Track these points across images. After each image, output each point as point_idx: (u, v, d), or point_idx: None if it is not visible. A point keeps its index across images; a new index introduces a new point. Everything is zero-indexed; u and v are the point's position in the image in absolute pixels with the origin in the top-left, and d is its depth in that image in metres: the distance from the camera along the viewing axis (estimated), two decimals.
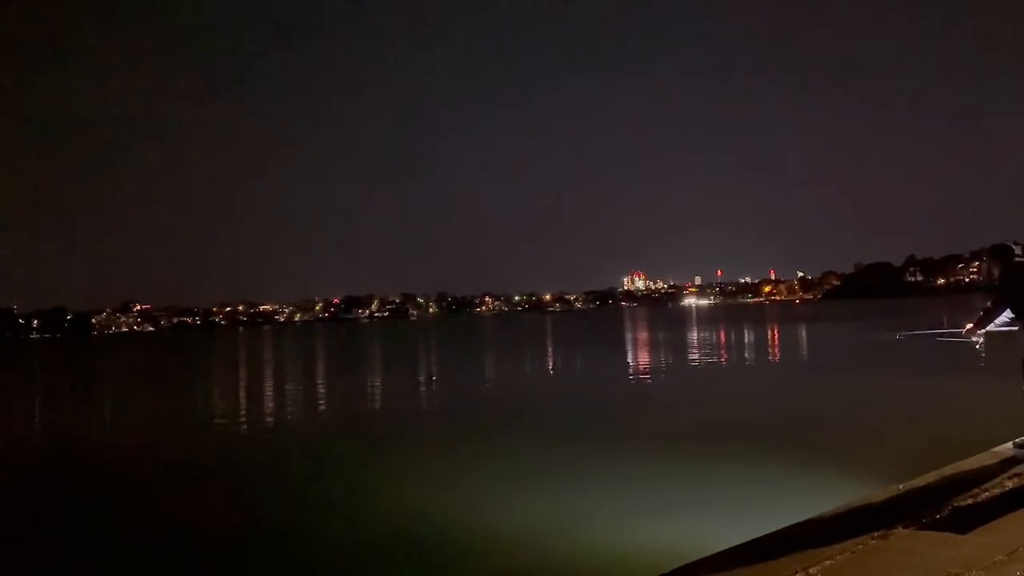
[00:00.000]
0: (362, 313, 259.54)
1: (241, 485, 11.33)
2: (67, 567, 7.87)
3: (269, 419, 18.60)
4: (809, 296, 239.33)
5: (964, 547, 3.87)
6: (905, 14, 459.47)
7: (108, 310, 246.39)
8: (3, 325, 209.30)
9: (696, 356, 32.61)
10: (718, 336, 48.68)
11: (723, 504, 8.49)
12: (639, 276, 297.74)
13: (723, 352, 35.04)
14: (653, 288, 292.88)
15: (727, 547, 4.14)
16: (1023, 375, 5.93)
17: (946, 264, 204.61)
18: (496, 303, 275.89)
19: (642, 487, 9.63)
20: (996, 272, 6.35)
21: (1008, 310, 6.20)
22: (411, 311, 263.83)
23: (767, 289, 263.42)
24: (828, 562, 3.73)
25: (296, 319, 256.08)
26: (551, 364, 34.57)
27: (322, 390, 26.33)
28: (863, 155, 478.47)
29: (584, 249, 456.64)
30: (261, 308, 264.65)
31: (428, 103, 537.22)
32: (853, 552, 3.87)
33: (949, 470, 5.52)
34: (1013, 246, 6.28)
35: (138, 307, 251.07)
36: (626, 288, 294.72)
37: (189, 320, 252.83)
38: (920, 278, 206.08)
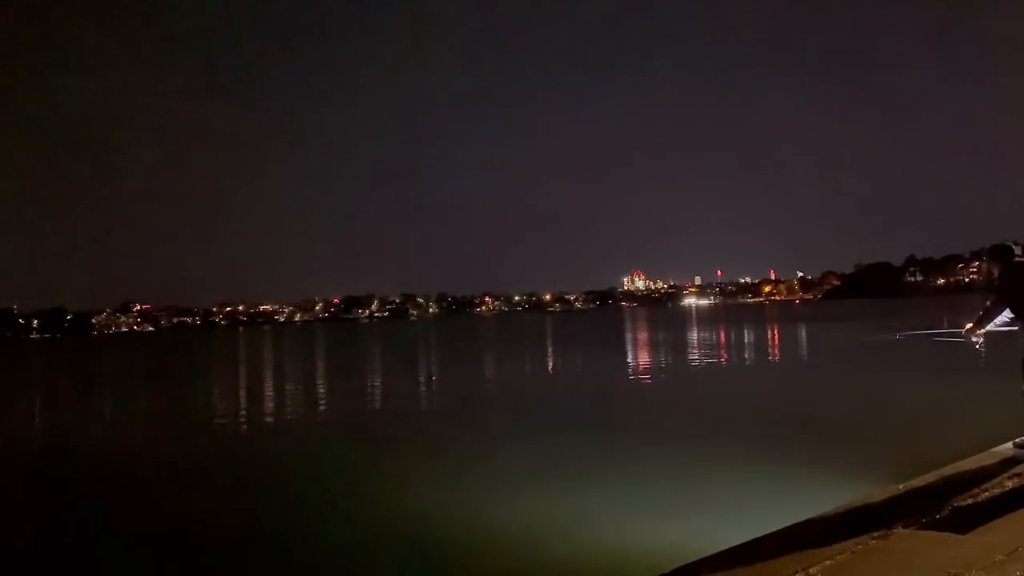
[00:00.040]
0: (362, 313, 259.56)
1: (241, 485, 11.33)
2: (67, 567, 7.87)
3: (269, 419, 18.60)
4: (809, 296, 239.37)
5: (964, 547, 3.87)
6: (906, 13, 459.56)
7: (108, 310, 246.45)
8: (3, 325, 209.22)
9: (696, 356, 32.61)
10: (718, 336, 48.68)
11: (723, 504, 8.49)
12: (639, 276, 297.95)
13: (723, 352, 35.04)
14: (653, 288, 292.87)
15: (727, 547, 4.14)
16: (1023, 375, 5.94)
17: (946, 264, 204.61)
18: (496, 303, 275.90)
19: (642, 487, 9.63)
20: (996, 272, 6.35)
21: (1007, 310, 6.20)
22: (411, 311, 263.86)
23: (767, 289, 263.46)
24: (828, 562, 3.73)
25: (296, 319, 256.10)
26: (551, 364, 34.57)
27: (322, 390, 26.33)
28: (863, 155, 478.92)
29: (584, 249, 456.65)
30: (261, 308, 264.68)
31: (428, 103, 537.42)
32: (853, 552, 3.87)
33: (949, 470, 5.52)
34: (1013, 246, 6.27)
35: (138, 307, 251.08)
36: (626, 288, 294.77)
37: (189, 320, 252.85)
38: (920, 278, 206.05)
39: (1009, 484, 5.05)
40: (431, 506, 9.29)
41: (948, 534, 4.12)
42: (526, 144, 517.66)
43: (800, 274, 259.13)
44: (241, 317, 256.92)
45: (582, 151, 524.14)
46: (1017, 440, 6.03)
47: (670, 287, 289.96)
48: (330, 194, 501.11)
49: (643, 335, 56.17)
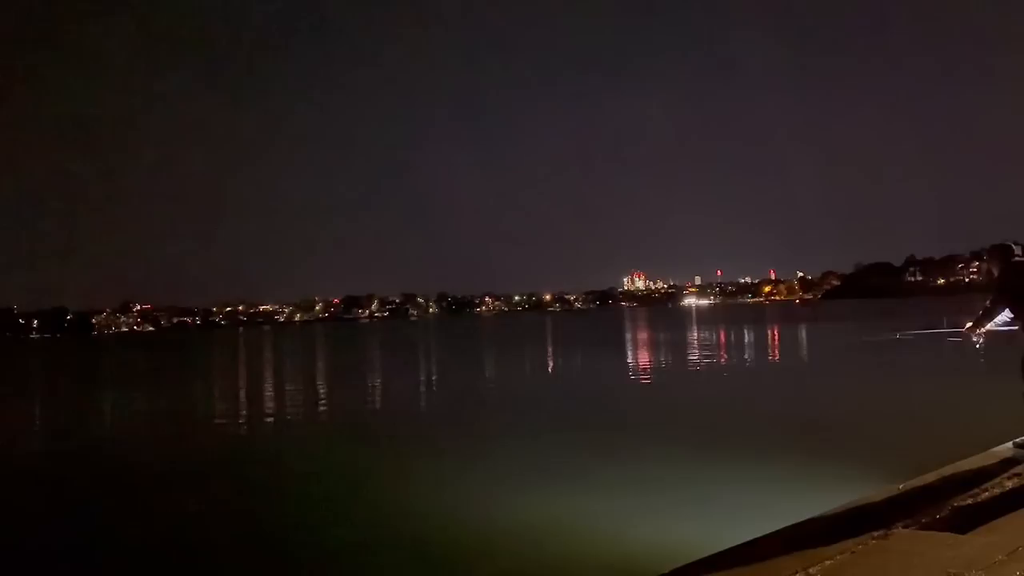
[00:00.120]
0: (362, 313, 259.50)
1: (241, 485, 11.33)
2: (68, 567, 7.86)
3: (269, 419, 18.60)
4: (809, 296, 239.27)
5: (964, 547, 3.87)
6: (905, 14, 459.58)
7: (108, 310, 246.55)
8: (3, 325, 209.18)
9: (696, 356, 32.61)
10: (718, 336, 48.68)
11: (723, 504, 8.48)
12: (639, 276, 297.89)
13: (723, 352, 35.04)
14: (653, 288, 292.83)
15: (727, 547, 4.14)
16: (1023, 375, 5.93)
17: (946, 264, 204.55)
18: (496, 303, 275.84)
19: (642, 487, 9.63)
20: (996, 271, 6.36)
21: (1008, 309, 6.20)
22: (411, 311, 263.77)
23: (767, 289, 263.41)
24: (828, 562, 3.73)
25: (296, 319, 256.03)
26: (551, 364, 34.57)
27: (322, 390, 26.34)
28: (864, 155, 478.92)
29: (584, 249, 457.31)
30: (261, 308, 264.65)
31: (428, 103, 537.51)
32: (853, 552, 3.87)
33: (949, 470, 5.52)
34: (1013, 245, 6.27)
35: (138, 307, 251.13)
36: (626, 288, 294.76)
37: (189, 320, 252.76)
38: (920, 278, 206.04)
39: (1009, 484, 5.05)
40: (431, 506, 9.29)
41: (948, 534, 4.11)
42: (526, 144, 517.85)
43: (800, 274, 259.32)
44: (241, 317, 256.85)
45: (582, 151, 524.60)
46: (1017, 440, 6.03)
47: (670, 287, 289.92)
48: (330, 194, 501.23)
49: (643, 335, 56.17)
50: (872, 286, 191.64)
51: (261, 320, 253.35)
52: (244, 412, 20.44)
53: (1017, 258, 6.19)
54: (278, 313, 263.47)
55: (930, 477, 5.36)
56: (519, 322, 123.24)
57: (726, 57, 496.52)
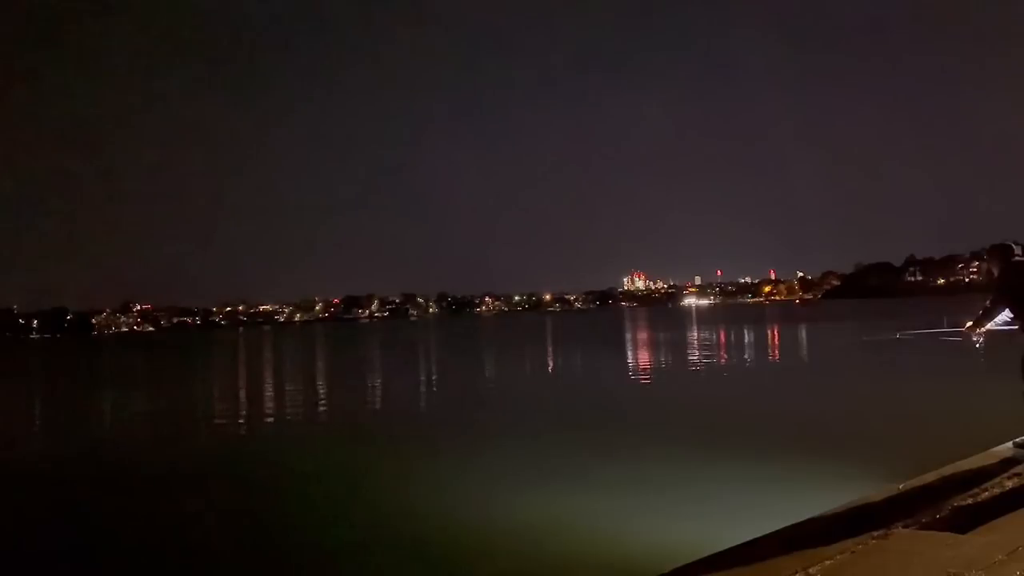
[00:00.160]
0: (362, 313, 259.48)
1: (241, 485, 11.33)
2: (68, 567, 7.86)
3: (269, 419, 18.60)
4: (809, 296, 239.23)
5: (964, 547, 3.87)
6: (904, 15, 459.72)
7: (108, 310, 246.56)
8: (3, 325, 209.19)
9: (696, 356, 32.61)
10: (718, 336, 48.68)
11: (723, 504, 8.48)
12: (639, 276, 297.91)
13: (723, 352, 35.04)
14: (653, 288, 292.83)
15: (727, 547, 4.14)
16: (1023, 375, 5.93)
17: (946, 264, 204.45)
18: (496, 303, 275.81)
19: (642, 487, 9.63)
20: (996, 271, 6.35)
21: (1007, 309, 6.20)
22: (411, 311, 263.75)
23: (767, 289, 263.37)
24: (828, 562, 3.73)
25: (296, 319, 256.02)
26: (551, 364, 34.57)
27: (322, 390, 26.34)
28: (863, 155, 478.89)
29: (584, 249, 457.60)
30: (261, 308, 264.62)
31: (428, 102, 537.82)
32: (853, 552, 3.87)
33: (949, 470, 5.52)
34: (1013, 245, 6.27)
35: (138, 307, 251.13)
36: (626, 288, 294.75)
37: (189, 320, 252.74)
38: (920, 278, 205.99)
39: (1009, 484, 5.05)
40: (431, 506, 9.29)
41: (948, 534, 4.11)
42: (526, 143, 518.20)
43: (800, 274, 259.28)
44: (241, 317, 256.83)
45: (582, 150, 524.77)
46: (1017, 440, 6.02)
47: (670, 287, 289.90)
48: (330, 194, 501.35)
49: (643, 335, 56.17)
50: (872, 286, 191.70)
51: (261, 320, 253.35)
52: (244, 412, 20.43)
53: (1017, 258, 6.19)
54: (278, 313, 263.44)
55: (930, 477, 5.36)
56: (519, 322, 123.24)
57: (726, 56, 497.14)
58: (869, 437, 12.09)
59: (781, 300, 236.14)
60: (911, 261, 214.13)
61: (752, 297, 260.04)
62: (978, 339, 6.73)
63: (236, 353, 59.96)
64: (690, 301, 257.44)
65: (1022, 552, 3.74)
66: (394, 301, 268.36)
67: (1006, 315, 6.24)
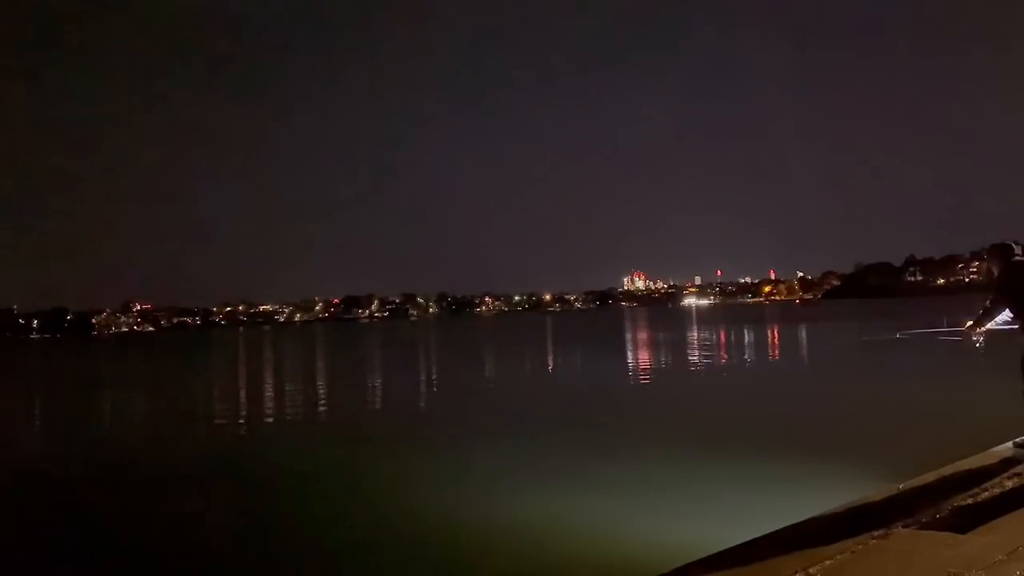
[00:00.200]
0: (362, 313, 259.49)
1: (241, 485, 11.33)
2: (68, 567, 7.86)
3: (269, 419, 18.60)
4: (809, 296, 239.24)
5: (964, 547, 3.87)
6: (905, 16, 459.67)
7: (108, 310, 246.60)
8: (3, 325, 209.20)
9: (696, 356, 32.61)
10: (718, 336, 48.67)
11: (723, 504, 8.48)
12: (639, 276, 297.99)
13: (723, 352, 35.04)
14: (653, 288, 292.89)
15: (727, 547, 4.14)
16: (1023, 375, 5.93)
17: (946, 264, 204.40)
18: (496, 303, 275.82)
19: (642, 487, 9.62)
20: (996, 271, 6.35)
21: (1008, 309, 6.20)
22: (411, 311, 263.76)
23: (767, 289, 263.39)
24: (828, 562, 3.73)
25: (296, 319, 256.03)
26: (551, 364, 34.57)
27: (322, 390, 26.34)
28: (863, 155, 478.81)
29: (584, 249, 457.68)
30: (261, 308, 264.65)
31: (428, 103, 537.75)
32: (853, 552, 3.87)
33: (949, 470, 5.51)
34: (1013, 245, 6.27)
35: (138, 307, 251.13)
36: (626, 288, 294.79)
37: (189, 320, 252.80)
38: (920, 278, 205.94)
39: (1009, 484, 5.05)
40: (431, 506, 9.29)
41: (948, 534, 4.11)
42: (526, 144, 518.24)
43: (800, 274, 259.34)
44: (241, 317, 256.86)
45: (582, 150, 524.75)
46: (1017, 440, 6.02)
47: (670, 287, 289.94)
48: (330, 194, 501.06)
49: (643, 335, 56.17)
50: (872, 286, 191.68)
51: (261, 320, 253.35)
52: (244, 412, 20.43)
53: (1017, 257, 6.19)
54: (278, 313, 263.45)
55: (930, 477, 5.36)
56: (519, 322, 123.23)
57: (725, 56, 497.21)
58: (869, 437, 12.08)
59: (781, 300, 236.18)
60: (911, 261, 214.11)
61: (752, 297, 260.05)
62: (978, 339, 6.72)
63: (236, 353, 59.96)
64: (690, 301, 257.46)
65: (1022, 552, 3.73)
66: (394, 301, 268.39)
67: (1006, 315, 6.23)
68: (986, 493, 4.86)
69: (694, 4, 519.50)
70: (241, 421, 18.72)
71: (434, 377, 30.38)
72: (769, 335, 48.23)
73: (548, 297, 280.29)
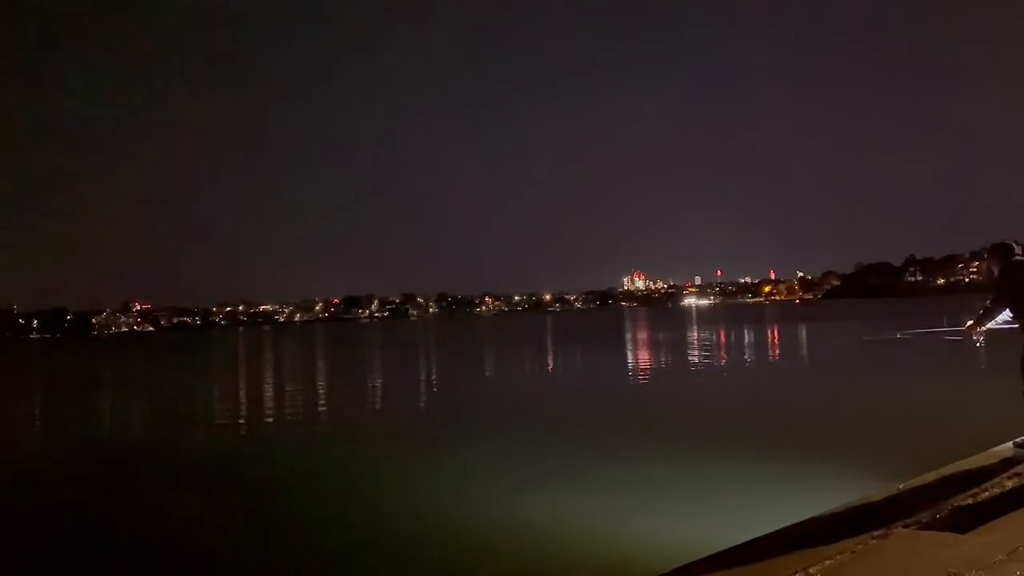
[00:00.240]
0: (362, 313, 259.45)
1: (241, 485, 11.33)
2: (67, 568, 7.86)
3: (269, 419, 18.60)
4: (809, 296, 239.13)
5: (964, 547, 3.87)
6: (905, 17, 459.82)
7: (108, 310, 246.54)
8: (3, 325, 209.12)
9: (696, 356, 32.61)
10: (718, 336, 48.67)
11: (723, 504, 8.48)
12: (639, 276, 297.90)
13: (723, 352, 35.03)
14: (653, 288, 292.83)
15: (727, 547, 4.14)
16: (1023, 375, 5.93)
17: (946, 264, 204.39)
18: (496, 303, 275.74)
19: (642, 487, 9.62)
20: (996, 270, 6.35)
21: (1008, 308, 6.19)
22: (411, 311, 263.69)
23: (767, 289, 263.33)
24: (828, 562, 3.73)
25: (296, 319, 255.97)
26: (551, 364, 34.57)
27: (322, 390, 26.33)
28: (863, 155, 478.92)
29: (584, 249, 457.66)
30: (261, 308, 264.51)
31: (428, 102, 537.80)
32: (853, 552, 3.87)
33: (949, 470, 5.51)
34: (1014, 244, 6.27)
35: (138, 307, 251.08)
36: (626, 288, 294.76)
37: (189, 320, 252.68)
38: (920, 278, 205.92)
39: (1009, 484, 5.05)
40: (431, 506, 9.29)
41: (948, 534, 4.11)
42: (526, 143, 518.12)
43: (800, 274, 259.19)
44: (241, 317, 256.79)
45: (581, 150, 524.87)
46: (1017, 440, 6.02)
47: (670, 287, 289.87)
48: (330, 194, 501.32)
49: (643, 335, 56.17)
50: (872, 286, 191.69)
51: (261, 320, 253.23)
52: (244, 412, 20.44)
53: (1018, 257, 6.19)
54: (278, 313, 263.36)
55: (930, 477, 5.36)
56: (519, 322, 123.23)
57: (726, 55, 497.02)
58: (869, 437, 12.08)
59: (781, 300, 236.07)
60: (911, 261, 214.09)
61: (752, 297, 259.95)
62: (978, 339, 6.72)
63: (236, 353, 59.96)
64: (690, 301, 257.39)
65: (1022, 552, 3.73)
66: (394, 301, 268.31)
67: (1006, 315, 6.23)
68: (986, 493, 4.86)
69: (694, 3, 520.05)
70: (241, 421, 18.72)
71: (434, 377, 30.38)
72: (769, 335, 48.23)
73: (548, 297, 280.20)
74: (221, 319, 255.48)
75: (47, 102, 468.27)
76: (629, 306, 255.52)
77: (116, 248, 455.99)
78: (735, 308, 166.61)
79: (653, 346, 42.04)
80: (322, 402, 22.14)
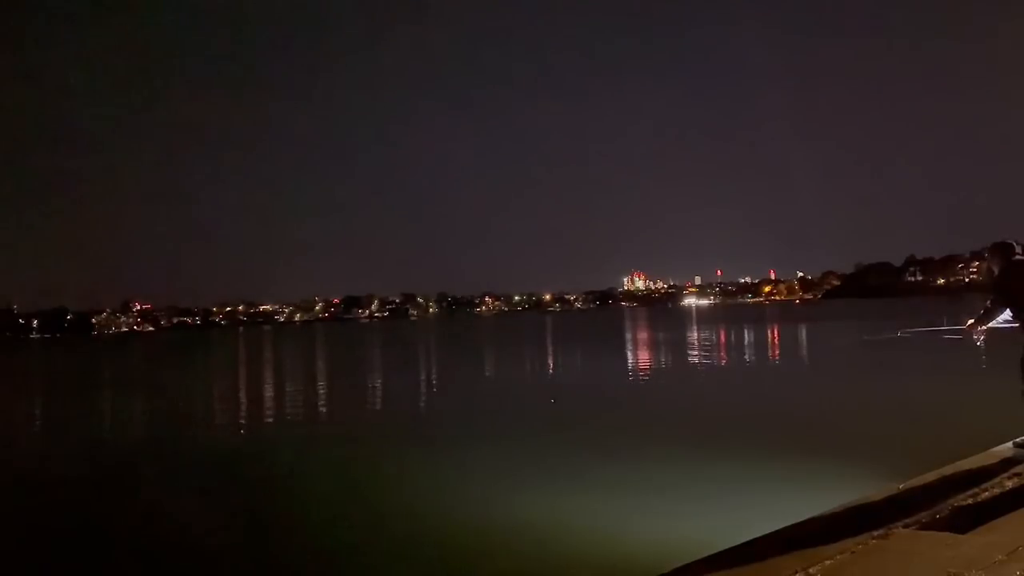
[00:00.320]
0: (362, 313, 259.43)
1: (241, 485, 11.33)
2: (67, 568, 7.86)
3: (269, 419, 18.61)
4: (809, 296, 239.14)
5: (964, 547, 3.86)
6: (907, 16, 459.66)
7: (108, 310, 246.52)
8: (3, 325, 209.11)
9: (696, 356, 32.61)
10: (718, 336, 48.68)
11: (723, 504, 8.48)
12: (639, 276, 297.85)
13: (723, 352, 35.04)
14: (653, 288, 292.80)
15: (727, 547, 4.14)
16: (1023, 375, 5.92)
17: (946, 264, 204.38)
18: (496, 303, 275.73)
19: (642, 487, 9.62)
20: (996, 270, 6.35)
21: (1008, 308, 6.19)
22: (411, 311, 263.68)
23: (767, 289, 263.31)
24: (828, 562, 3.73)
25: (296, 319, 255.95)
26: (551, 364, 34.57)
27: (322, 390, 26.33)
28: (863, 155, 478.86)
29: (584, 249, 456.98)
30: (261, 308, 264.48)
31: (428, 101, 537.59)
32: (853, 552, 3.87)
33: (949, 470, 5.51)
34: (1014, 244, 6.27)
35: (138, 307, 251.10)
36: (626, 288, 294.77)
37: (189, 320, 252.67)
38: (920, 278, 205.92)
39: (1009, 484, 5.04)
40: (431, 506, 9.29)
41: (948, 534, 4.11)
42: (526, 144, 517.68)
43: (800, 274, 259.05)
44: (241, 317, 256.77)
45: (582, 150, 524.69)
46: (1017, 440, 6.02)
47: (670, 287, 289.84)
48: (330, 194, 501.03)
49: (643, 335, 56.18)
50: (872, 286, 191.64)
51: (261, 320, 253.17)
52: (244, 412, 20.44)
53: (1018, 257, 6.18)
54: (278, 313, 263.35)
55: (930, 477, 5.36)
56: (519, 322, 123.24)
57: (726, 55, 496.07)
58: (869, 437, 12.08)
59: (781, 300, 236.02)
60: (911, 261, 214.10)
61: (752, 297, 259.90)
62: (979, 338, 6.72)
63: (236, 353, 59.96)
64: (690, 301, 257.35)
65: (1022, 552, 3.73)
66: (394, 301, 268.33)
67: (1007, 314, 6.23)
68: (986, 493, 4.85)
69: (694, 3, 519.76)
70: (241, 421, 18.72)
71: (434, 377, 30.38)
72: (769, 335, 48.24)
73: (548, 297, 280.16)
74: (221, 319, 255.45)
75: (47, 102, 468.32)
76: (629, 306, 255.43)
77: (116, 248, 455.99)
78: (735, 308, 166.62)
79: (653, 346, 42.04)
80: (322, 402, 22.15)
